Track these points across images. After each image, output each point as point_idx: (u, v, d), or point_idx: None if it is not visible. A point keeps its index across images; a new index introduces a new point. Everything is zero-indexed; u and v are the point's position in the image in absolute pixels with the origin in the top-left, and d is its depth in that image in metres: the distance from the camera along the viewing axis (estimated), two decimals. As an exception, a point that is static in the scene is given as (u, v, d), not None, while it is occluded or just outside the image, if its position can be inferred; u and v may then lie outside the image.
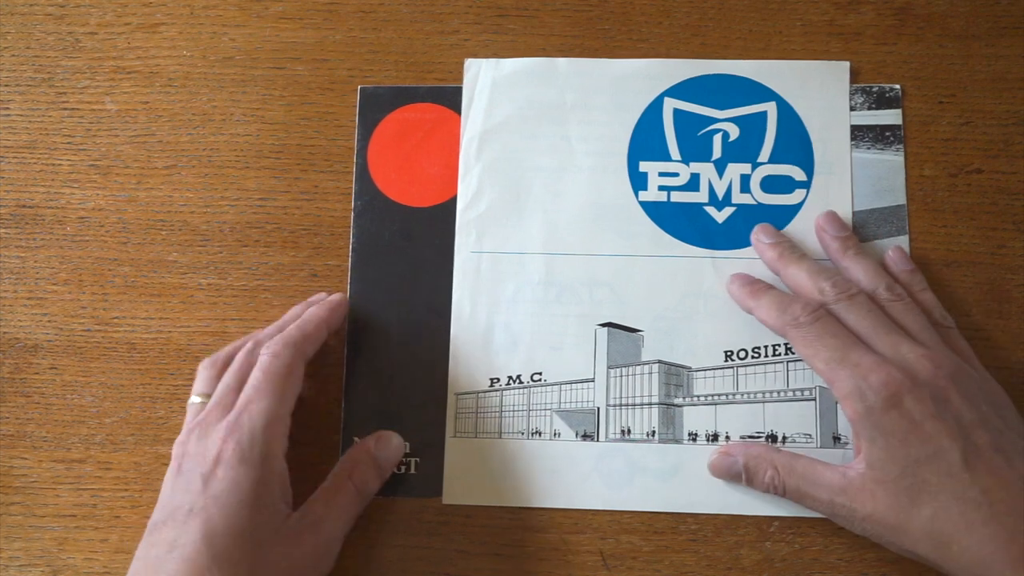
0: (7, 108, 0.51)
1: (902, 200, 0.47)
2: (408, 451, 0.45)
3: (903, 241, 0.47)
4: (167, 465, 0.41)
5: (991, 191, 0.48)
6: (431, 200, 0.49)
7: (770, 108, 0.49)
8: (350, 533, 0.44)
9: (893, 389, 0.38)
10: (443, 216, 0.48)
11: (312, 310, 0.44)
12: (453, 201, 0.48)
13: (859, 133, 0.48)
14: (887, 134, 0.48)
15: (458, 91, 0.50)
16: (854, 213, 0.47)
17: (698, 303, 0.47)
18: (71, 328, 0.48)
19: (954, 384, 0.39)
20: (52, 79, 0.51)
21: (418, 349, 0.47)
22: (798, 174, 0.48)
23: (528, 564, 0.45)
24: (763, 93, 0.49)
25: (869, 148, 0.48)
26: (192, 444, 0.40)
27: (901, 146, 0.48)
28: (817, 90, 0.49)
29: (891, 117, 0.48)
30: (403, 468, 0.44)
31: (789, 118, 0.48)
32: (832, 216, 0.46)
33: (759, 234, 0.46)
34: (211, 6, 0.51)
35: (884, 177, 0.48)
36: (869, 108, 0.48)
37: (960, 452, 0.37)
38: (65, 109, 0.50)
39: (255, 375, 0.40)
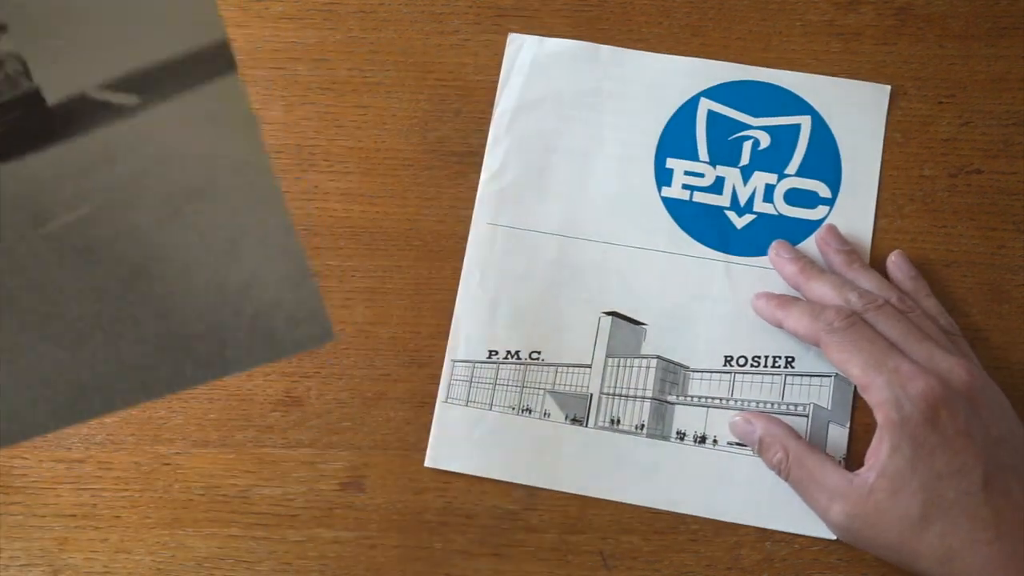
0: (7, 108, 0.51)
1: None
2: None
3: None
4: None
5: (991, 191, 0.48)
6: None
7: (804, 122, 0.49)
8: (351, 533, 0.44)
9: (931, 401, 0.38)
10: None
11: None
12: None
13: None
14: None
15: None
16: (875, 233, 0.47)
17: (705, 305, 0.47)
18: (71, 328, 0.48)
19: (984, 397, 0.39)
20: (52, 79, 0.51)
21: None
22: (823, 190, 0.48)
23: (528, 564, 0.45)
24: (800, 106, 0.49)
25: None
26: None
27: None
28: (855, 110, 0.49)
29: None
30: None
31: (822, 134, 0.48)
32: (833, 230, 0.46)
33: (778, 250, 0.46)
34: (211, 6, 0.51)
35: None
36: None
37: (982, 471, 0.38)
38: (65, 109, 0.50)
39: None
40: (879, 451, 0.39)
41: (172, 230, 0.38)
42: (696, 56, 0.50)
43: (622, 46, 0.50)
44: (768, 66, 0.49)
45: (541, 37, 0.50)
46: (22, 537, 0.46)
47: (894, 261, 0.46)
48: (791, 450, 0.42)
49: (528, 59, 0.50)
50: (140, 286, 0.38)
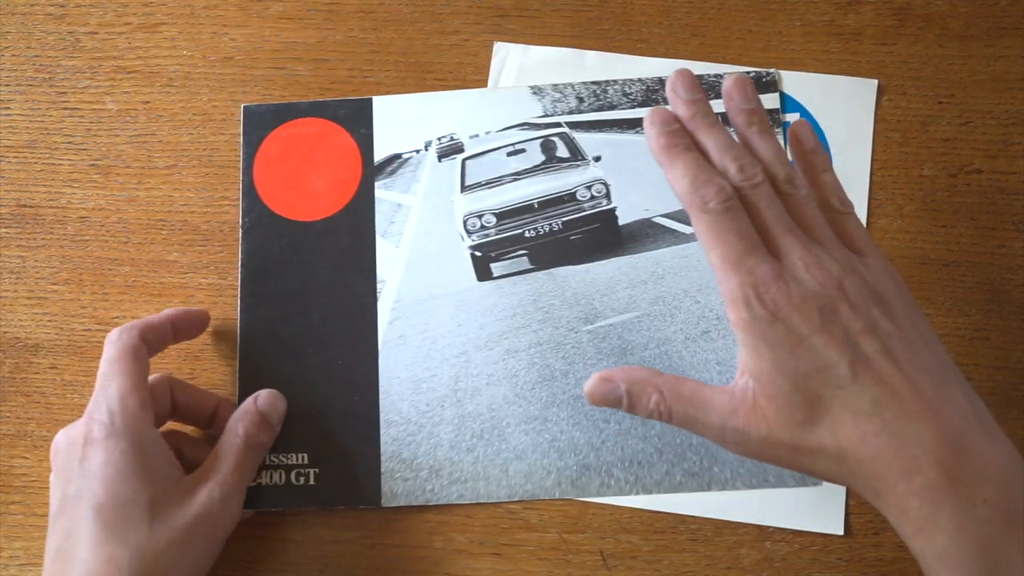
0: (8, 108, 0.51)
1: None
2: (307, 462, 0.46)
3: None
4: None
5: (991, 191, 0.48)
6: (320, 214, 0.48)
7: (793, 119, 0.49)
8: (351, 533, 0.44)
9: (780, 305, 0.36)
10: (332, 229, 0.48)
11: (167, 309, 0.46)
12: (342, 214, 0.48)
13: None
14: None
15: (341, 104, 0.50)
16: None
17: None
18: (71, 328, 0.48)
19: (841, 293, 0.37)
20: (52, 79, 0.51)
21: (314, 360, 0.47)
22: None
23: (528, 564, 0.45)
24: (788, 103, 0.49)
25: None
26: (61, 439, 0.42)
27: (780, 130, 0.48)
28: (842, 105, 0.49)
29: (769, 101, 0.48)
30: (302, 479, 0.45)
31: None
32: (744, 82, 0.40)
33: (675, 84, 0.40)
34: (211, 6, 0.51)
35: None
36: None
37: (848, 364, 0.36)
38: (65, 109, 0.50)
39: (101, 365, 0.42)
40: (741, 354, 0.38)
41: (695, 348, 0.46)
42: (695, 58, 0.50)
43: (623, 46, 0.50)
44: (768, 66, 0.49)
45: (526, 46, 0.50)
46: (22, 537, 0.46)
47: (796, 129, 0.42)
48: (664, 387, 0.39)
49: (515, 67, 0.50)
50: None
